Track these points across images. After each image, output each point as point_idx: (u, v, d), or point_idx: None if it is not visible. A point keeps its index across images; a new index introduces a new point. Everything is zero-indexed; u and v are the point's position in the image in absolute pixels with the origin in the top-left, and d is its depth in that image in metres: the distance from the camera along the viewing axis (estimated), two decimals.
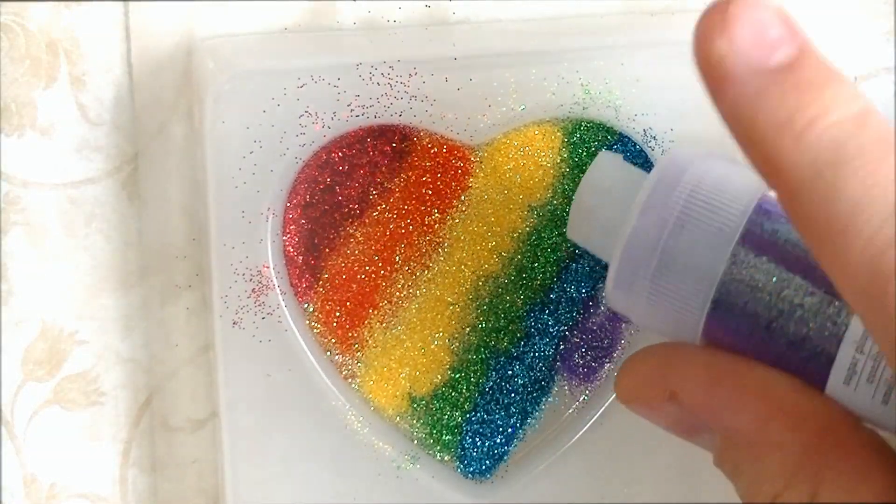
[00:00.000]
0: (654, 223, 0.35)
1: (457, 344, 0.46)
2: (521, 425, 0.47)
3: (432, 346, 0.46)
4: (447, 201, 0.46)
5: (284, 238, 0.46)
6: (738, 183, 0.36)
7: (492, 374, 0.47)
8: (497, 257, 0.46)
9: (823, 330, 0.34)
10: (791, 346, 0.34)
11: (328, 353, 0.46)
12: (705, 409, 0.34)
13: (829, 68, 0.30)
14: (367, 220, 0.46)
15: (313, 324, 0.46)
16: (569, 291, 0.47)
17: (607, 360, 0.47)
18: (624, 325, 0.47)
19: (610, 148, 0.46)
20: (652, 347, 0.37)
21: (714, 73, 0.30)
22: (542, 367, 0.47)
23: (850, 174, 0.28)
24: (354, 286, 0.46)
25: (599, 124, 0.46)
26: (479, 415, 0.47)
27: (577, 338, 0.47)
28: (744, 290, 0.34)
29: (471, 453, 0.47)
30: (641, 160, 0.46)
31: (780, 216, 0.35)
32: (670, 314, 0.36)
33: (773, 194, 0.35)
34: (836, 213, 0.28)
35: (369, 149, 0.46)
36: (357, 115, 0.45)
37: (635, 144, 0.46)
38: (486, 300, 0.46)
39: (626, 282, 0.36)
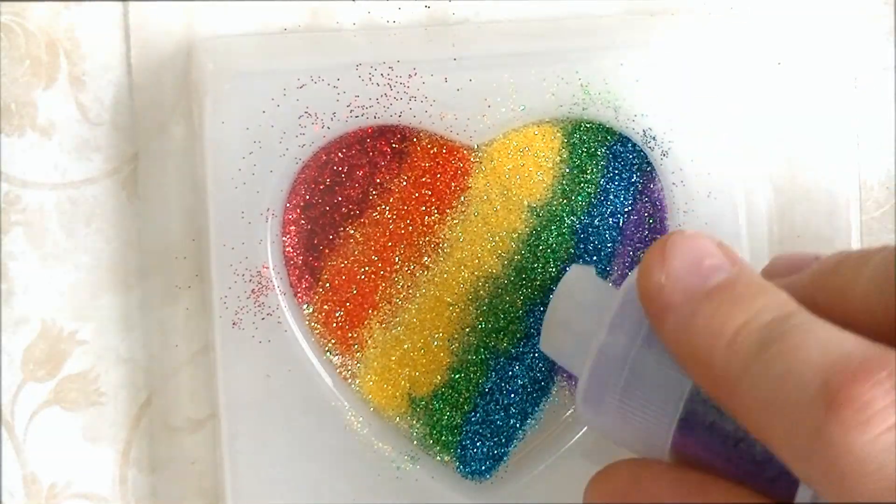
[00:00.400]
0: (622, 341, 0.36)
1: (456, 344, 0.46)
2: (520, 426, 0.47)
3: (432, 347, 0.46)
4: (447, 202, 0.46)
5: (284, 239, 0.46)
6: None
7: (491, 375, 0.47)
8: (497, 258, 0.46)
9: None
10: (758, 465, 0.34)
11: (328, 353, 0.46)
12: None
13: (761, 283, 0.32)
14: (366, 221, 0.46)
15: (313, 324, 0.46)
16: None
17: None
18: None
19: (609, 148, 0.46)
20: (620, 462, 0.37)
21: (653, 304, 0.33)
22: (541, 367, 0.47)
23: (773, 358, 0.29)
24: (354, 287, 0.46)
25: (599, 125, 0.46)
26: (478, 415, 0.47)
27: None
28: (710, 408, 0.34)
29: (470, 454, 0.47)
30: (641, 161, 0.46)
31: None
32: (639, 430, 0.36)
33: None
34: (764, 395, 0.29)
35: (369, 149, 0.46)
36: (357, 116, 0.45)
37: (635, 145, 0.46)
38: (486, 301, 0.46)
39: (595, 398, 0.37)
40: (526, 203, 0.46)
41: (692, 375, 0.32)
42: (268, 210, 0.45)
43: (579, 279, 0.40)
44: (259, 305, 0.45)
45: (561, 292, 0.40)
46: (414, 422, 0.47)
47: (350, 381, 0.47)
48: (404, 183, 0.46)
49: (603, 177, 0.46)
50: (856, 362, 0.28)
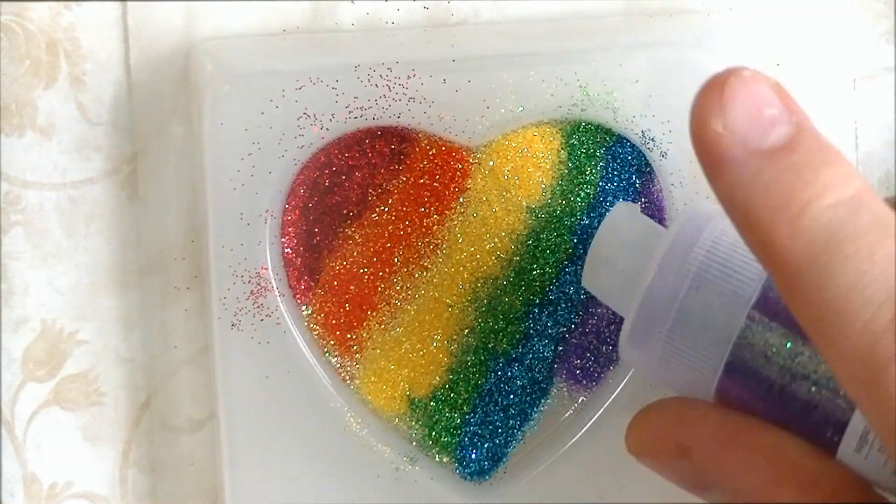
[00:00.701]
0: (670, 282, 0.36)
1: (455, 345, 0.46)
2: (519, 427, 0.47)
3: (431, 348, 0.46)
4: (446, 203, 0.46)
5: (283, 240, 0.46)
6: None
7: (490, 376, 0.47)
8: (496, 259, 0.46)
9: (836, 397, 0.33)
10: (804, 411, 0.34)
11: (327, 354, 0.46)
12: (716, 467, 0.34)
13: (825, 147, 0.30)
14: (365, 222, 0.46)
15: (312, 325, 0.46)
16: (567, 293, 0.47)
17: (606, 361, 0.47)
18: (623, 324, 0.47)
19: (608, 150, 0.46)
20: (665, 401, 0.37)
21: (710, 155, 0.30)
22: (540, 368, 0.47)
23: (844, 259, 0.28)
24: (353, 288, 0.46)
25: (598, 126, 0.46)
26: (477, 416, 0.47)
27: (575, 339, 0.47)
28: (758, 353, 0.34)
29: (469, 455, 0.47)
30: (640, 162, 0.46)
31: None
32: (684, 372, 0.36)
33: None
34: (831, 299, 0.28)
35: (368, 150, 0.46)
36: (355, 117, 0.45)
37: (634, 146, 0.46)
38: (485, 302, 0.46)
39: (640, 338, 0.37)
40: (525, 204, 0.46)
41: (749, 243, 0.30)
42: (267, 211, 0.45)
43: (624, 216, 0.40)
44: (258, 307, 0.45)
45: (606, 228, 0.40)
46: (413, 423, 0.47)
47: (349, 382, 0.47)
48: (403, 184, 0.46)
49: (602, 178, 0.46)
50: None
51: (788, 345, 0.34)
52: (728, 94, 0.30)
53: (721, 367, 0.35)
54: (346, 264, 0.46)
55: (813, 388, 0.34)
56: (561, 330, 0.47)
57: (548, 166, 0.46)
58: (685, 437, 0.35)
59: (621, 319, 0.46)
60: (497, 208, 0.46)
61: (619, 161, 0.46)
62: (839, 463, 0.33)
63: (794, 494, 0.32)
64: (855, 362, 0.28)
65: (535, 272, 0.46)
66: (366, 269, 0.46)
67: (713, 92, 0.30)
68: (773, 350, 0.34)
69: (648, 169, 0.46)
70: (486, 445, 0.47)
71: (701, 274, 0.35)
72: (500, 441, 0.47)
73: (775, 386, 0.34)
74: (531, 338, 0.47)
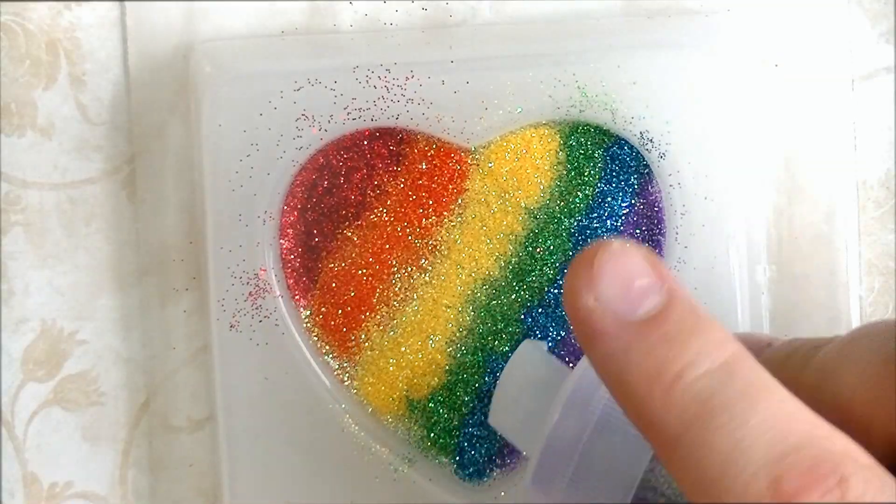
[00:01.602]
0: (574, 425, 0.35)
1: (454, 347, 0.46)
2: None
3: (429, 349, 0.46)
4: (444, 204, 0.46)
5: (281, 241, 0.46)
6: None
7: (489, 377, 0.47)
8: (494, 260, 0.46)
9: None
10: None
11: (325, 355, 0.46)
12: None
13: (697, 314, 0.30)
14: (363, 224, 0.46)
15: (310, 327, 0.46)
16: None
17: None
18: None
19: (607, 151, 0.46)
20: None
21: (583, 328, 0.30)
22: None
23: (717, 429, 0.28)
24: (351, 289, 0.46)
25: (596, 127, 0.46)
26: (476, 417, 0.47)
27: (574, 340, 0.47)
28: (660, 498, 0.34)
29: (468, 456, 0.47)
30: (639, 163, 0.46)
31: None
32: None
33: None
34: (708, 469, 0.28)
35: (366, 152, 0.46)
36: (354, 118, 0.45)
37: (632, 147, 0.46)
38: (483, 303, 0.46)
39: (544, 482, 0.36)
40: (523, 205, 0.46)
41: (627, 413, 0.30)
42: (265, 213, 0.45)
43: (530, 356, 0.40)
44: (256, 308, 0.45)
45: (511, 368, 0.39)
46: (411, 424, 0.47)
47: (347, 383, 0.47)
48: (401, 185, 0.46)
49: (600, 179, 0.46)
50: (808, 462, 0.27)
51: None
52: (598, 267, 0.30)
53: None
54: (345, 265, 0.46)
55: None
56: (559, 331, 0.47)
57: (546, 167, 0.46)
58: None
59: None
60: (495, 209, 0.46)
61: (617, 162, 0.46)
62: None
63: None
64: None
65: (533, 273, 0.46)
66: (364, 271, 0.46)
67: (584, 266, 0.30)
68: (676, 494, 0.34)
69: (647, 170, 0.46)
70: (484, 447, 0.47)
71: (605, 418, 0.35)
72: (498, 442, 0.47)
73: None
74: (530, 339, 0.46)
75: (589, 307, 0.30)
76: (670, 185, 0.46)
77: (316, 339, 0.46)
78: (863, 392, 0.31)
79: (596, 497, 0.35)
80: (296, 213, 0.46)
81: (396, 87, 0.45)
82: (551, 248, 0.46)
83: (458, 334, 0.46)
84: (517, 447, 0.40)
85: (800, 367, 0.33)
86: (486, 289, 0.46)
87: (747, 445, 0.28)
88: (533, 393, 0.38)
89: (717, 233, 0.46)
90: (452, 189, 0.46)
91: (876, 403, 0.30)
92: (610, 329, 0.30)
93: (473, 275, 0.46)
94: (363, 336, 0.46)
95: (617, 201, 0.46)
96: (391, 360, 0.46)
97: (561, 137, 0.46)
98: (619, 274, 0.30)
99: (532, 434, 0.37)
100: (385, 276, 0.46)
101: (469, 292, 0.46)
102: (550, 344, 0.47)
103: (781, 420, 0.28)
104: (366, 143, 0.46)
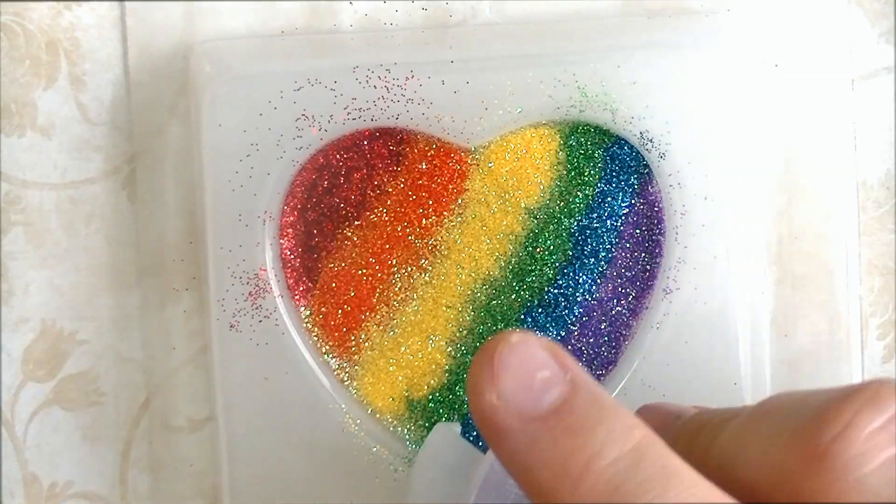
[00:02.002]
0: None
1: (454, 347, 0.46)
2: None
3: (429, 349, 0.46)
4: (444, 204, 0.46)
5: (281, 241, 0.46)
6: None
7: None
8: (494, 260, 0.46)
9: None
10: None
11: (325, 355, 0.47)
12: None
13: (601, 403, 0.29)
14: (363, 224, 0.46)
15: (310, 327, 0.46)
16: (566, 294, 0.47)
17: (604, 362, 0.47)
18: (622, 327, 0.47)
19: (607, 151, 0.46)
20: None
21: (488, 426, 0.30)
22: None
23: None
24: (351, 289, 0.46)
25: (596, 127, 0.46)
26: None
27: (573, 340, 0.47)
28: None
29: None
30: (638, 163, 0.46)
31: None
32: None
33: None
34: None
35: (366, 152, 0.46)
36: (354, 118, 0.45)
37: (632, 147, 0.46)
38: (484, 303, 0.46)
39: None
40: (523, 205, 0.46)
41: None
42: (265, 213, 0.45)
43: (444, 440, 0.39)
44: (256, 308, 0.45)
45: (426, 452, 0.39)
46: (411, 424, 0.47)
47: (347, 383, 0.47)
48: (401, 185, 0.46)
49: (600, 179, 0.46)
50: None
51: None
52: (498, 363, 0.30)
53: None
54: (345, 265, 0.46)
55: None
56: (559, 331, 0.47)
57: (546, 167, 0.46)
58: None
59: (620, 319, 0.46)
60: (495, 209, 0.46)
61: (617, 162, 0.46)
62: None
63: None
64: None
65: (533, 273, 0.46)
66: (364, 271, 0.46)
67: (485, 363, 0.30)
68: None
69: (647, 170, 0.46)
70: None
71: (521, 496, 0.34)
72: None
73: None
74: None
75: (492, 405, 0.29)
76: (670, 185, 0.46)
77: (316, 339, 0.46)
78: (767, 470, 0.30)
79: None
80: (296, 213, 0.46)
81: (396, 87, 0.45)
82: (551, 248, 0.46)
83: (458, 334, 0.47)
84: None
85: (708, 442, 0.32)
86: (486, 289, 0.46)
87: None
88: (448, 477, 0.38)
89: (717, 233, 0.46)
90: (452, 189, 0.46)
91: (779, 481, 0.30)
92: (514, 425, 0.29)
93: (473, 275, 0.46)
94: (363, 336, 0.46)
95: (617, 201, 0.46)
96: (391, 360, 0.47)
97: (561, 137, 0.46)
98: (519, 368, 0.29)
99: None
100: (385, 276, 0.46)
101: (469, 292, 0.46)
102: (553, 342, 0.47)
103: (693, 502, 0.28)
104: (366, 143, 0.46)
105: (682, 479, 0.28)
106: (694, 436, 0.33)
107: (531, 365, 0.30)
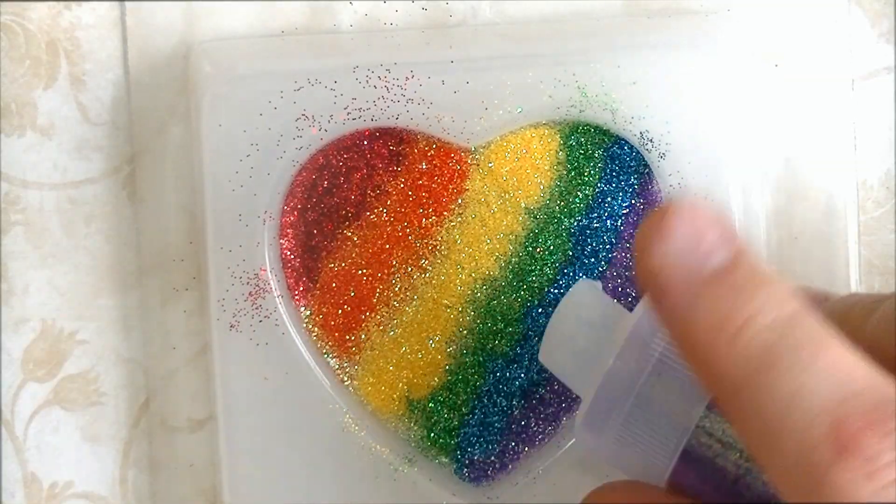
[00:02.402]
0: (631, 366, 0.35)
1: (454, 347, 0.46)
2: (518, 428, 0.47)
3: (429, 349, 0.46)
4: (444, 204, 0.46)
5: (281, 241, 0.46)
6: None
7: (489, 377, 0.47)
8: (494, 260, 0.46)
9: None
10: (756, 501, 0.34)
11: (325, 356, 0.47)
12: None
13: (763, 270, 0.31)
14: (363, 223, 0.46)
15: (310, 327, 0.46)
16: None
17: None
18: None
19: (607, 151, 0.46)
20: (617, 484, 0.36)
21: (652, 285, 0.31)
22: (539, 369, 0.47)
23: (779, 375, 0.29)
24: (351, 289, 0.46)
25: (596, 127, 0.46)
26: (476, 417, 0.47)
27: None
28: (714, 444, 0.34)
29: (468, 456, 0.47)
30: (639, 163, 0.46)
31: None
32: (638, 458, 0.36)
33: None
34: (769, 415, 0.29)
35: (366, 152, 0.46)
36: (354, 118, 0.45)
37: (632, 147, 0.46)
38: (484, 303, 0.46)
39: (597, 422, 0.36)
40: (523, 205, 0.46)
41: (691, 365, 0.31)
42: (265, 213, 0.45)
43: (586, 295, 0.40)
44: (256, 308, 0.45)
45: (566, 307, 0.39)
46: (411, 424, 0.47)
47: (347, 383, 0.47)
48: (401, 185, 0.46)
49: (600, 179, 0.46)
50: (868, 406, 0.28)
51: None
52: (667, 225, 0.31)
53: (676, 456, 0.35)
54: (345, 265, 0.46)
55: (766, 483, 0.33)
56: None
57: (546, 167, 0.46)
58: None
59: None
60: (495, 209, 0.46)
61: (617, 162, 0.46)
62: None
63: None
64: (792, 474, 0.28)
65: (533, 273, 0.46)
66: (364, 271, 0.46)
67: (654, 224, 0.31)
68: (730, 441, 0.34)
69: (647, 170, 0.46)
70: (484, 447, 0.47)
71: (663, 360, 0.35)
72: (498, 442, 0.47)
73: (729, 477, 0.34)
74: (530, 339, 0.47)
75: (658, 264, 0.31)
76: (670, 185, 0.46)
77: (316, 339, 0.46)
78: None
79: (649, 440, 0.35)
80: (296, 213, 0.46)
81: (396, 87, 0.45)
82: (551, 248, 0.46)
83: (458, 334, 0.47)
84: (568, 386, 0.40)
85: (859, 321, 0.34)
86: (486, 289, 0.46)
87: (809, 391, 0.28)
88: (587, 332, 0.39)
89: None
90: (452, 189, 0.46)
91: None
92: (677, 285, 0.31)
93: (473, 275, 0.46)
94: (363, 336, 0.46)
95: (617, 201, 0.46)
96: (391, 360, 0.47)
97: (561, 137, 0.46)
98: (688, 230, 0.31)
99: (584, 373, 0.37)
100: (385, 276, 0.46)
101: (469, 292, 0.46)
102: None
103: (843, 368, 0.29)
104: (366, 143, 0.46)
105: (834, 344, 0.29)
106: (844, 316, 0.34)
107: (699, 230, 0.31)
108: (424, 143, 0.46)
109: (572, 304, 0.39)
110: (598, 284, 0.41)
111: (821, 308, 0.35)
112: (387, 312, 0.46)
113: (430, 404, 0.47)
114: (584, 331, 0.39)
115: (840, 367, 0.29)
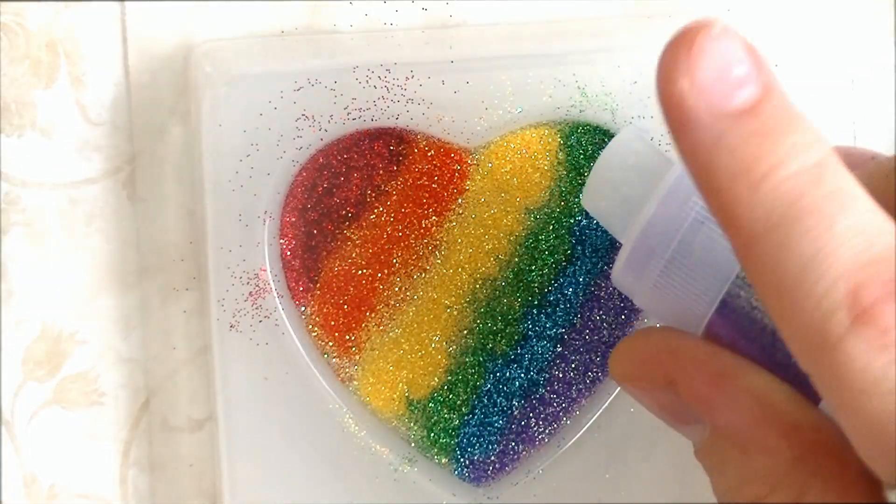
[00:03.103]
0: (674, 213, 0.35)
1: (454, 347, 0.46)
2: (517, 428, 0.47)
3: (429, 349, 0.46)
4: (444, 204, 0.46)
5: (281, 241, 0.46)
6: None
7: (489, 377, 0.47)
8: (494, 260, 0.46)
9: None
10: (792, 361, 0.33)
11: (325, 356, 0.47)
12: (702, 401, 0.34)
13: (791, 112, 0.29)
14: (363, 224, 0.46)
15: (310, 327, 0.46)
16: (566, 294, 0.47)
17: (605, 362, 0.47)
18: (622, 326, 0.47)
19: None
20: (653, 330, 0.36)
21: (675, 114, 0.29)
22: (539, 369, 0.47)
23: (801, 232, 0.27)
24: (351, 289, 0.46)
25: (597, 127, 0.46)
26: (476, 417, 0.47)
27: (574, 340, 0.47)
28: (752, 297, 0.34)
29: (468, 456, 0.47)
30: None
31: None
32: (677, 304, 0.36)
33: None
34: (787, 272, 0.28)
35: (366, 152, 0.46)
36: (354, 119, 0.45)
37: None
38: (483, 303, 0.46)
39: (637, 265, 0.36)
40: (523, 205, 0.46)
41: (709, 206, 0.30)
42: (265, 213, 0.45)
43: (633, 141, 0.39)
44: (256, 308, 0.45)
45: (612, 150, 0.39)
46: (411, 424, 0.47)
47: (347, 383, 0.47)
48: (401, 185, 0.46)
49: None
50: (889, 274, 0.27)
51: None
52: (696, 50, 0.29)
53: (715, 304, 0.35)
54: (345, 265, 0.46)
55: None
56: (559, 331, 0.47)
57: (546, 167, 0.46)
58: (673, 368, 0.35)
59: (621, 315, 0.46)
60: (495, 209, 0.46)
61: None
62: (821, 413, 0.33)
63: (776, 437, 0.32)
64: (807, 338, 0.28)
65: (533, 273, 0.46)
66: (364, 271, 0.46)
67: (682, 48, 0.29)
68: None
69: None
70: (484, 447, 0.47)
71: (707, 209, 0.33)
72: (498, 442, 0.47)
73: (767, 329, 0.34)
74: (530, 339, 0.47)
75: (684, 92, 0.29)
76: None
77: (316, 338, 0.47)
78: None
79: (688, 287, 0.35)
80: (296, 213, 0.46)
81: (396, 87, 0.45)
82: (551, 248, 0.46)
83: (458, 334, 0.47)
84: (609, 230, 0.40)
85: None
86: (486, 289, 0.46)
87: (830, 251, 0.27)
88: (632, 177, 0.38)
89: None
90: (452, 189, 0.46)
91: None
92: (702, 118, 0.29)
93: (473, 275, 0.46)
94: (363, 336, 0.47)
95: None
96: (391, 360, 0.47)
97: (561, 137, 0.46)
98: (717, 59, 0.29)
99: (627, 218, 0.37)
100: (385, 276, 0.46)
101: (469, 292, 0.46)
102: (551, 343, 0.47)
103: (867, 229, 0.27)
104: (366, 143, 0.46)
105: (860, 202, 0.28)
106: (889, 175, 0.33)
107: (729, 58, 0.29)
108: (424, 143, 0.46)
109: (618, 150, 0.39)
110: (645, 132, 0.40)
111: (866, 166, 0.34)
112: (387, 312, 0.46)
113: (430, 404, 0.47)
114: (630, 177, 0.38)
115: (865, 228, 0.27)
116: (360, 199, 0.46)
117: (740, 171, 0.28)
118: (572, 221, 0.46)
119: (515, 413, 0.47)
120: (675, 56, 0.29)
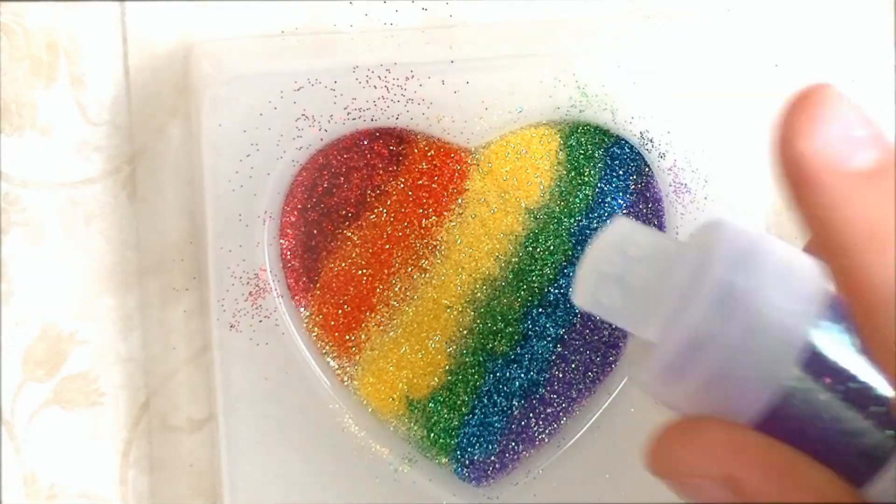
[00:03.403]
0: (714, 310, 0.32)
1: (454, 347, 0.46)
2: (518, 428, 0.47)
3: (429, 349, 0.46)
4: (444, 204, 0.46)
5: (281, 241, 0.46)
6: (805, 271, 0.33)
7: (489, 377, 0.47)
8: (494, 260, 0.46)
9: (880, 435, 0.31)
10: (845, 449, 0.32)
11: (325, 355, 0.47)
12: (768, 498, 0.32)
13: None
14: (363, 224, 0.46)
15: (310, 327, 0.46)
16: (566, 294, 0.46)
17: (604, 362, 0.47)
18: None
19: (607, 151, 0.46)
20: (706, 423, 0.33)
21: (796, 175, 0.28)
22: (539, 369, 0.47)
23: None
24: (351, 289, 0.46)
25: (596, 127, 0.46)
26: (476, 417, 0.47)
27: (574, 340, 0.47)
28: (809, 394, 0.32)
29: (468, 456, 0.47)
30: (638, 163, 0.46)
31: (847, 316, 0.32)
32: (726, 401, 0.32)
33: None
34: None
35: (366, 152, 0.46)
36: (354, 119, 0.45)
37: (632, 147, 0.46)
38: (484, 303, 0.46)
39: (675, 372, 0.33)
40: (523, 205, 0.46)
41: (832, 269, 0.28)
42: (265, 213, 0.45)
43: (629, 232, 0.35)
44: (256, 308, 0.45)
45: (605, 245, 0.35)
46: (411, 424, 0.47)
47: (347, 383, 0.47)
48: (401, 185, 0.46)
49: (600, 179, 0.46)
50: None
51: (841, 390, 0.32)
52: (818, 113, 0.28)
53: (774, 399, 0.32)
54: (345, 265, 0.46)
55: (858, 432, 0.32)
56: (559, 331, 0.47)
57: (546, 167, 0.46)
58: (736, 465, 0.32)
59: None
60: (495, 209, 0.46)
61: (617, 162, 0.46)
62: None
63: None
64: None
65: (533, 273, 0.46)
66: (364, 271, 0.46)
67: (802, 110, 0.28)
68: (848, 388, 0.32)
69: (647, 170, 0.46)
70: (484, 447, 0.47)
71: (733, 300, 0.32)
72: (498, 442, 0.47)
73: (823, 420, 0.32)
74: (530, 339, 0.47)
75: (803, 152, 0.28)
76: (670, 186, 0.46)
77: (316, 338, 0.46)
78: None
79: (733, 392, 0.32)
80: (296, 213, 0.46)
81: (396, 87, 0.45)
82: (551, 248, 0.46)
83: (457, 334, 0.47)
84: (616, 323, 0.36)
85: None
86: (486, 289, 0.46)
87: None
88: (638, 269, 0.35)
89: None
90: (452, 189, 0.46)
91: None
92: (825, 179, 0.28)
93: (473, 275, 0.46)
94: (363, 336, 0.46)
95: (617, 201, 0.46)
96: (391, 360, 0.47)
97: (561, 137, 0.46)
98: (839, 122, 0.28)
99: (640, 311, 0.34)
100: (385, 276, 0.46)
101: (469, 292, 0.46)
102: (551, 343, 0.47)
103: None
104: (366, 143, 0.46)
105: None
106: None
107: (849, 121, 0.28)
108: (424, 143, 0.46)
109: (613, 242, 0.35)
110: (636, 221, 0.37)
111: None
112: (387, 312, 0.46)
113: (430, 404, 0.47)
114: (636, 268, 0.35)
115: None
116: (360, 199, 0.46)
117: (868, 233, 0.28)
118: (572, 221, 0.46)
119: (515, 413, 0.47)
120: (795, 118, 0.28)
